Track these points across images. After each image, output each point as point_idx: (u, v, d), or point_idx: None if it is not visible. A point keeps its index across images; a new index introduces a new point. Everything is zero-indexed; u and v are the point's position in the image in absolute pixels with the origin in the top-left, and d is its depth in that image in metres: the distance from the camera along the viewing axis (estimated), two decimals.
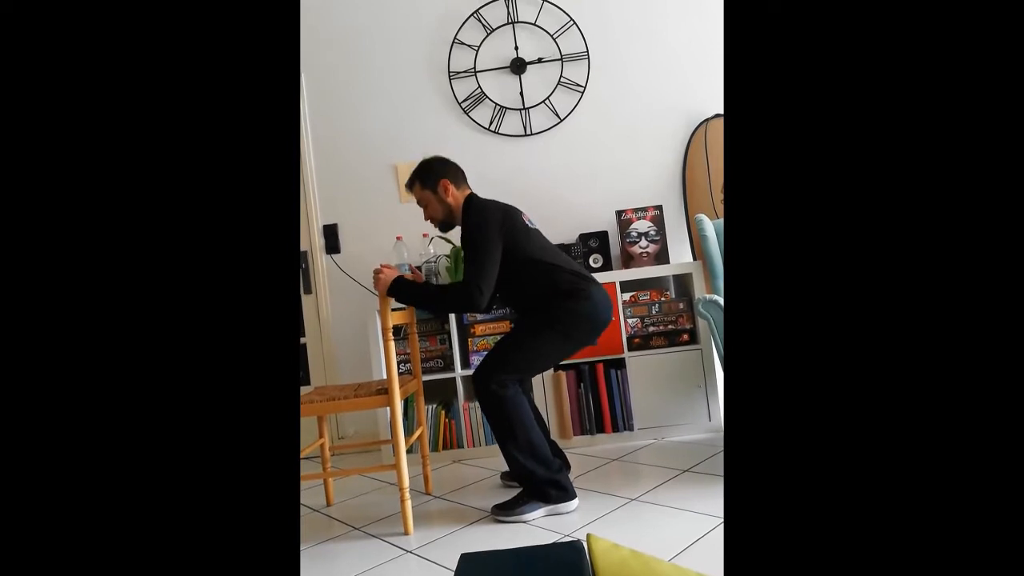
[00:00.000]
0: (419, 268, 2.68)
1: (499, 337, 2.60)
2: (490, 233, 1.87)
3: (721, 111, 2.88)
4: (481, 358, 2.60)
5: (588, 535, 0.93)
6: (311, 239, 3.03)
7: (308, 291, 3.06)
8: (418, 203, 2.06)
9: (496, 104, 2.98)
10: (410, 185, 2.06)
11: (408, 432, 2.55)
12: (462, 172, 2.06)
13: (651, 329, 2.57)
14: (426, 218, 2.07)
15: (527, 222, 2.01)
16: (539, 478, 1.83)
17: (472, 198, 2.00)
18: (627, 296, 2.58)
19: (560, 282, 1.92)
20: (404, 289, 1.89)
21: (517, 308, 2.08)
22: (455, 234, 2.88)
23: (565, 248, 2.69)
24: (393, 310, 1.92)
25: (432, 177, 2.01)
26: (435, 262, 2.70)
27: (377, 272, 1.91)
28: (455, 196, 2.01)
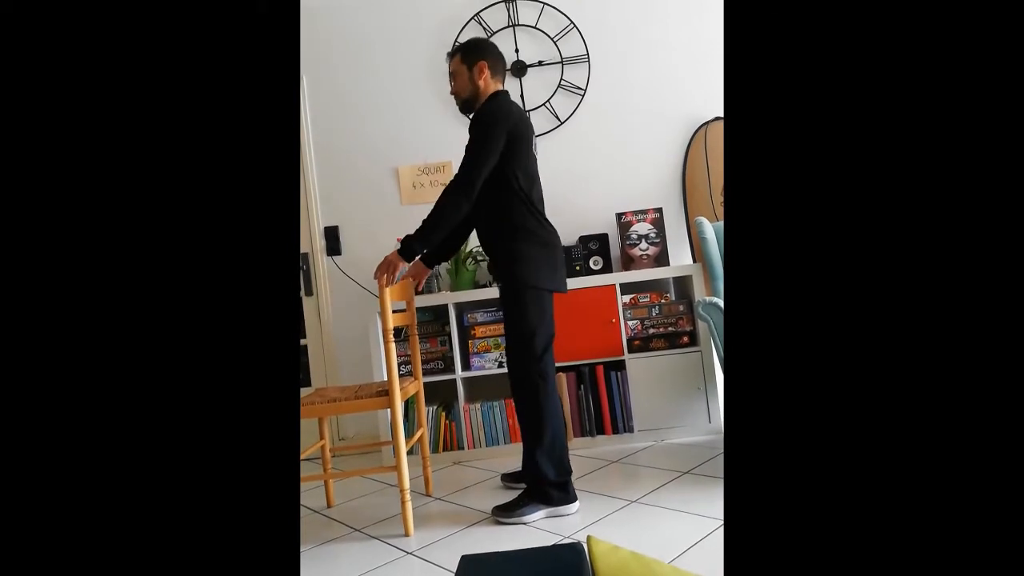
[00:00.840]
0: None
1: (499, 339, 2.61)
2: (499, 129, 1.84)
3: (721, 114, 2.89)
4: (483, 359, 2.61)
5: (588, 537, 0.93)
6: (312, 241, 3.04)
7: (309, 293, 3.06)
8: (451, 75, 2.02)
9: None
10: (452, 53, 2.03)
11: (408, 434, 2.55)
12: (504, 67, 2.03)
13: (651, 331, 2.58)
14: (451, 91, 2.03)
15: (533, 146, 1.98)
16: (548, 481, 1.84)
17: (500, 93, 1.97)
18: (627, 298, 2.59)
19: (516, 213, 1.89)
20: (412, 241, 1.85)
21: (477, 220, 2.02)
22: None
23: (565, 250, 2.70)
24: (394, 312, 1.92)
25: (474, 54, 1.97)
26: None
27: (380, 266, 1.88)
28: (487, 82, 1.97)
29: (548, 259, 1.92)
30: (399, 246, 1.88)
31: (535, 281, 1.88)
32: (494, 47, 2.01)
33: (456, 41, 2.98)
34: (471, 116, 1.95)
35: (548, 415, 1.86)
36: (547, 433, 1.85)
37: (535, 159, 1.98)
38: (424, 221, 1.86)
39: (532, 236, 1.90)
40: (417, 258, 2.07)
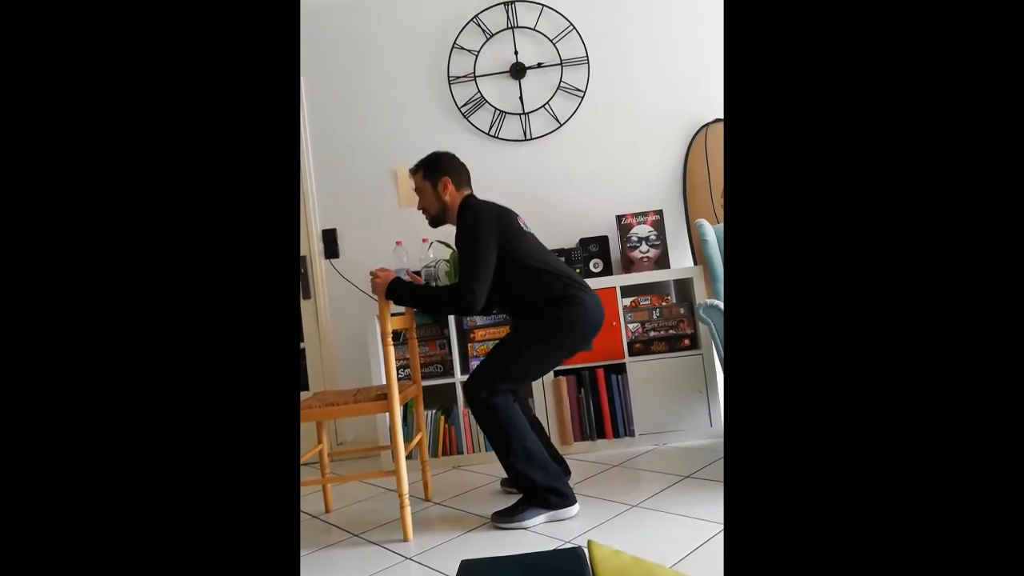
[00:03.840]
0: (418, 273, 2.67)
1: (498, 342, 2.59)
2: (484, 236, 1.86)
3: (721, 115, 2.88)
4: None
5: (589, 541, 0.92)
6: (310, 244, 3.03)
7: (307, 296, 3.05)
8: (415, 190, 2.06)
9: (496, 109, 2.98)
10: (414, 170, 2.06)
11: (407, 438, 2.54)
12: (467, 174, 2.06)
13: (652, 334, 2.56)
14: (418, 207, 2.07)
15: (522, 225, 2.00)
16: (538, 484, 1.82)
17: (469, 199, 2.00)
18: (628, 301, 2.57)
19: (552, 288, 1.91)
20: (401, 291, 1.88)
21: (510, 312, 2.07)
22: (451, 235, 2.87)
23: (565, 253, 2.69)
24: (393, 315, 1.91)
25: (436, 171, 2.01)
26: (434, 267, 2.69)
27: (373, 275, 1.91)
28: (452, 196, 2.00)
29: (582, 322, 1.91)
30: (396, 277, 1.90)
31: (557, 337, 1.89)
32: (454, 159, 2.04)
33: (455, 43, 2.97)
34: (456, 234, 1.97)
35: (507, 421, 1.84)
36: (514, 439, 1.83)
37: (533, 235, 2.01)
38: (425, 292, 1.92)
39: (572, 300, 1.90)
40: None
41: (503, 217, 1.94)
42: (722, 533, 1.58)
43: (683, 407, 2.52)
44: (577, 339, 1.93)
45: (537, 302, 1.91)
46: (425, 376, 2.63)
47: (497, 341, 2.57)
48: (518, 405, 1.91)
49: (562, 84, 2.95)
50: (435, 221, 2.07)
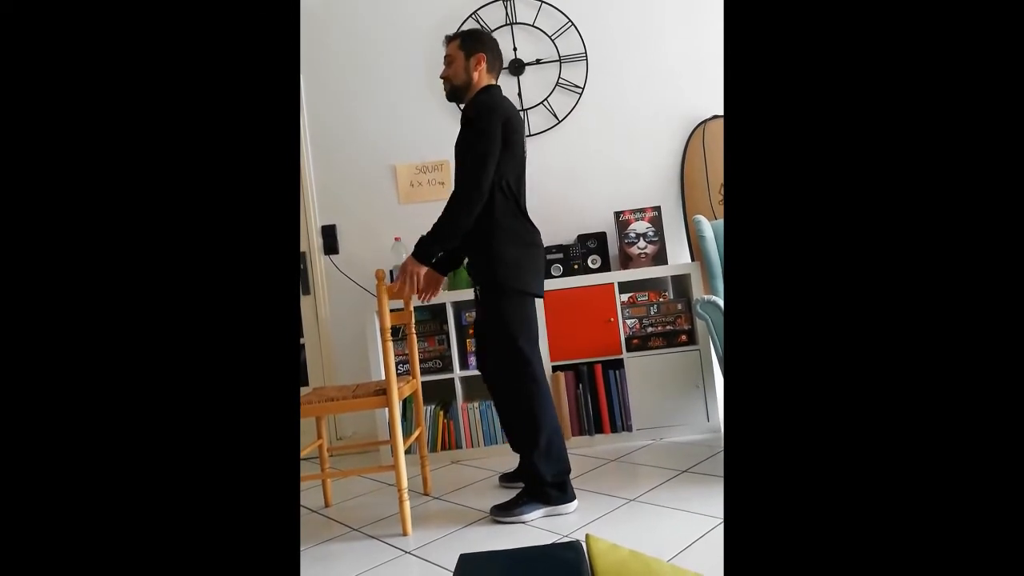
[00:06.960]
0: None
1: None
2: (496, 119, 1.82)
3: (719, 112, 2.88)
4: (479, 359, 2.59)
5: (587, 535, 0.93)
6: (309, 240, 3.03)
7: (306, 292, 3.05)
8: (445, 58, 2.00)
9: None
10: (451, 38, 2.00)
11: (407, 433, 2.55)
12: (500, 65, 2.02)
13: (649, 330, 2.57)
14: (442, 75, 2.00)
15: (523, 144, 1.96)
16: (546, 480, 1.83)
17: (493, 87, 1.95)
18: (625, 297, 2.58)
19: (503, 210, 1.85)
20: (425, 244, 1.84)
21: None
22: None
23: (563, 249, 2.70)
24: (392, 311, 1.92)
25: (474, 45, 1.95)
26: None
27: (400, 276, 1.89)
28: (481, 75, 1.95)
29: (531, 261, 1.89)
30: (411, 249, 1.84)
31: (520, 285, 1.86)
32: (495, 43, 1.99)
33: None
34: (463, 108, 1.92)
35: (542, 417, 1.84)
36: (542, 436, 1.84)
37: (524, 157, 1.96)
38: (437, 224, 1.82)
39: (515, 236, 1.87)
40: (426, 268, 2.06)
41: (516, 117, 1.89)
42: (719, 527, 1.59)
43: (680, 402, 2.53)
44: (530, 282, 1.88)
45: (481, 221, 1.84)
46: (424, 371, 2.64)
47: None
48: (550, 394, 1.90)
49: (560, 80, 2.95)
50: (453, 94, 1.99)
